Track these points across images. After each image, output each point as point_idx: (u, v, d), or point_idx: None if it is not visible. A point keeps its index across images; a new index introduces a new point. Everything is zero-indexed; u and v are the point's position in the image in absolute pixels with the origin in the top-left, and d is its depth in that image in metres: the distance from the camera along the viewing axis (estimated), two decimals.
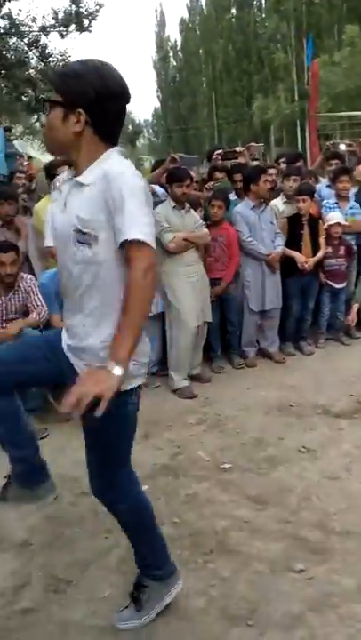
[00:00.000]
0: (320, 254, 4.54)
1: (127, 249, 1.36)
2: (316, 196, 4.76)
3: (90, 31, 12.69)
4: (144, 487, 2.61)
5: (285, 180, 4.73)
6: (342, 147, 6.47)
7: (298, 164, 5.56)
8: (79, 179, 1.45)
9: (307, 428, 3.25)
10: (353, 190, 4.84)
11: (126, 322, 1.34)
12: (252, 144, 5.36)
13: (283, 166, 5.60)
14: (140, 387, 1.64)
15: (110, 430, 1.57)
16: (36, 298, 3.49)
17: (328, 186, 5.02)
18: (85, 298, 1.49)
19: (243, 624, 1.79)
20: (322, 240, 4.57)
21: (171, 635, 1.76)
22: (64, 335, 1.63)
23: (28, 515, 2.45)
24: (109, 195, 1.36)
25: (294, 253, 4.48)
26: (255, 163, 5.54)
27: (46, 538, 2.29)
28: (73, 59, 12.92)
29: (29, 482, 1.79)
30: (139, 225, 1.34)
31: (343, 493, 2.51)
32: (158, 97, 45.91)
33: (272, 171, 5.34)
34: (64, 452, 3.07)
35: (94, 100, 1.37)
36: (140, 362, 1.58)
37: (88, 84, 1.37)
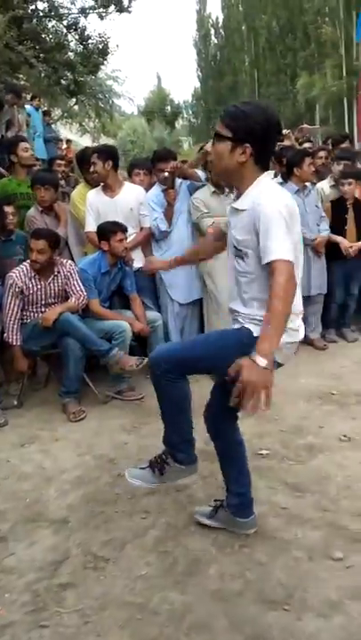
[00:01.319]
0: None
1: (272, 265, 1.63)
2: None
3: (129, 12, 12.49)
4: None
5: (336, 164, 4.59)
6: None
7: (343, 145, 5.37)
8: (236, 205, 1.78)
9: (348, 416, 3.19)
10: None
11: (271, 322, 1.61)
12: (305, 125, 5.17)
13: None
14: None
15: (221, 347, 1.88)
16: (75, 283, 3.54)
17: None
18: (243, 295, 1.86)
19: (279, 608, 1.79)
20: None
21: (206, 615, 1.77)
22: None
23: (67, 493, 2.52)
24: (258, 223, 1.66)
25: (339, 238, 4.37)
26: (307, 145, 5.38)
27: (84, 516, 2.34)
28: (112, 41, 12.86)
29: (241, 513, 2.12)
30: (282, 248, 1.62)
31: None
32: (198, 77, 45.07)
33: (322, 153, 5.19)
34: (101, 433, 3.14)
35: (259, 137, 1.67)
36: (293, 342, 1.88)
37: (256, 123, 1.67)
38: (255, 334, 1.77)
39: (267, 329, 1.62)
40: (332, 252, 4.36)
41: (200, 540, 2.15)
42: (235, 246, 1.78)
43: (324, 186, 4.59)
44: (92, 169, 3.79)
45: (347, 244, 4.34)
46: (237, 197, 1.81)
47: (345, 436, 2.93)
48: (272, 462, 2.69)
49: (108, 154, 3.78)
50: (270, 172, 1.82)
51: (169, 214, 3.90)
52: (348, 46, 25.56)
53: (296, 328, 1.87)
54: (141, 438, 3.05)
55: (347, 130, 17.54)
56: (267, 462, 2.71)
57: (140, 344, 3.96)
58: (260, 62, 36.99)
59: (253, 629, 1.70)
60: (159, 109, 44.78)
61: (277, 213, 1.65)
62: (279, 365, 1.86)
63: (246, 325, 1.83)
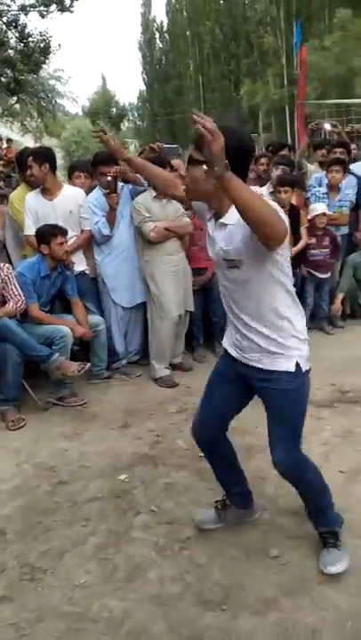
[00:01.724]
0: (301, 244, 4.55)
1: None
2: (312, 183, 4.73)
3: (71, 11, 12.34)
4: (122, 476, 2.65)
5: (275, 169, 4.70)
6: (327, 126, 6.43)
7: (282, 152, 5.53)
8: (224, 220, 1.75)
9: None
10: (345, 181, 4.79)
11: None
12: None
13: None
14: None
15: (291, 406, 1.87)
16: (12, 287, 3.45)
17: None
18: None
19: (217, 608, 1.82)
20: (303, 230, 4.58)
21: (144, 619, 1.78)
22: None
23: (4, 504, 2.46)
24: None
25: None
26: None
27: (22, 527, 2.29)
28: (55, 40, 12.68)
29: (245, 505, 2.24)
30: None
31: None
32: (144, 79, 45.12)
33: (263, 159, 5.32)
34: (41, 441, 3.08)
35: (232, 159, 1.52)
36: (303, 338, 1.85)
37: (230, 147, 1.53)
38: (296, 366, 1.79)
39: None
40: None
41: (141, 545, 2.15)
42: (225, 259, 1.76)
43: (264, 191, 4.71)
44: (28, 172, 3.72)
45: None
46: (216, 216, 1.80)
47: None
48: None
49: (45, 156, 3.72)
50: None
51: (111, 218, 3.88)
52: (288, 55, 26.36)
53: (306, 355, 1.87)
54: (82, 445, 3.01)
55: (289, 137, 18.09)
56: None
57: (82, 349, 3.92)
58: (204, 68, 37.48)
59: (191, 631, 1.73)
60: (104, 111, 44.43)
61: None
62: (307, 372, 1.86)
63: (280, 364, 1.80)
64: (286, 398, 1.83)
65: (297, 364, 1.80)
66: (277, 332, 1.79)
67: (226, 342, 2.00)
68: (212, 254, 1.86)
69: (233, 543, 2.14)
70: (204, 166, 1.65)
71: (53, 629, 1.75)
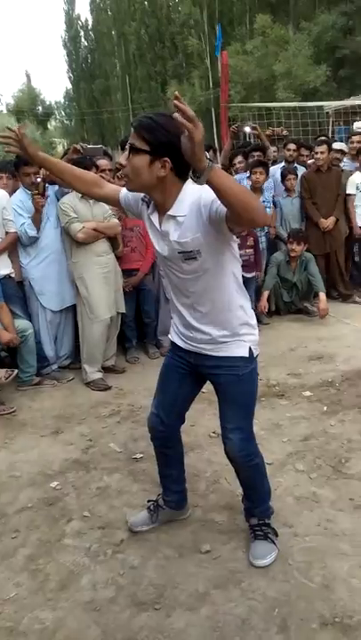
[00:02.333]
0: None
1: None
2: None
3: None
4: (53, 484, 2.61)
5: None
6: (247, 129, 6.58)
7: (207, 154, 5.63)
8: (171, 212, 1.68)
9: (217, 413, 3.34)
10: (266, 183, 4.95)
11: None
12: None
13: None
14: None
15: (245, 392, 1.92)
16: None
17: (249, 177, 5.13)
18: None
19: (150, 608, 1.84)
20: None
21: (78, 627, 1.77)
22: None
23: None
24: (204, 202, 1.59)
25: None
26: None
27: None
28: None
29: (181, 505, 2.28)
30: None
31: None
32: (70, 78, 44.38)
33: None
34: None
35: (178, 149, 1.44)
36: (253, 323, 1.91)
37: (174, 135, 1.48)
38: (249, 351, 1.86)
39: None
40: None
41: (73, 552, 2.13)
42: (182, 252, 1.70)
43: None
44: None
45: None
46: (160, 209, 1.73)
47: (214, 432, 3.08)
48: (145, 465, 2.74)
49: None
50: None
51: (37, 220, 3.79)
52: (212, 58, 26.88)
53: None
54: (12, 454, 2.93)
55: (216, 139, 18.42)
56: (140, 466, 2.76)
57: (9, 355, 3.80)
58: (131, 68, 37.44)
59: (125, 634, 1.73)
60: (29, 109, 43.21)
61: None
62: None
63: (234, 351, 1.85)
64: (241, 383, 1.88)
65: (250, 350, 1.86)
66: (233, 320, 1.82)
67: (173, 335, 2.00)
68: (161, 249, 1.78)
69: (166, 542, 2.17)
70: (166, 158, 1.60)
71: None
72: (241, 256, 5.25)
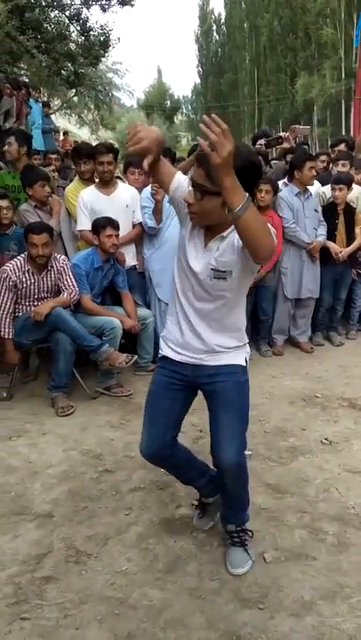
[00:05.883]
0: (355, 244, 4.46)
1: None
2: None
3: (132, 5, 12.41)
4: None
5: (335, 166, 4.64)
6: None
7: (340, 147, 5.41)
8: (224, 234, 1.74)
9: (331, 419, 3.25)
10: None
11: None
12: (297, 126, 5.11)
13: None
14: None
15: (243, 399, 1.92)
16: (67, 278, 3.56)
17: None
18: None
19: (254, 607, 1.85)
20: (358, 230, 4.48)
21: (182, 611, 1.83)
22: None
23: (53, 488, 2.56)
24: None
25: (329, 243, 4.42)
26: (304, 147, 5.40)
27: (68, 511, 2.38)
28: (114, 33, 12.79)
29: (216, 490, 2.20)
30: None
31: None
32: (199, 72, 45.08)
33: (324, 157, 5.25)
34: (88, 429, 3.17)
35: (247, 187, 1.48)
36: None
37: (245, 176, 1.50)
38: (245, 361, 1.93)
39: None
40: (322, 257, 4.42)
41: (181, 538, 2.20)
42: (215, 269, 1.75)
43: (327, 189, 4.61)
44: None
45: (337, 248, 4.40)
46: (212, 231, 1.76)
47: (326, 439, 2.99)
48: (254, 463, 2.74)
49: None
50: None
51: (158, 211, 3.92)
52: (347, 49, 25.64)
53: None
54: (128, 435, 3.09)
55: (343, 132, 17.61)
56: (249, 463, 2.74)
57: (129, 341, 3.99)
58: (260, 61, 37.01)
59: (227, 626, 1.76)
60: (158, 104, 44.63)
61: None
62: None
63: (233, 359, 1.90)
64: (239, 389, 1.90)
65: (245, 360, 1.93)
66: (239, 333, 1.92)
67: (167, 350, 1.95)
68: (195, 265, 1.79)
69: (271, 544, 2.16)
70: (220, 198, 1.55)
71: (96, 612, 1.82)
72: None
